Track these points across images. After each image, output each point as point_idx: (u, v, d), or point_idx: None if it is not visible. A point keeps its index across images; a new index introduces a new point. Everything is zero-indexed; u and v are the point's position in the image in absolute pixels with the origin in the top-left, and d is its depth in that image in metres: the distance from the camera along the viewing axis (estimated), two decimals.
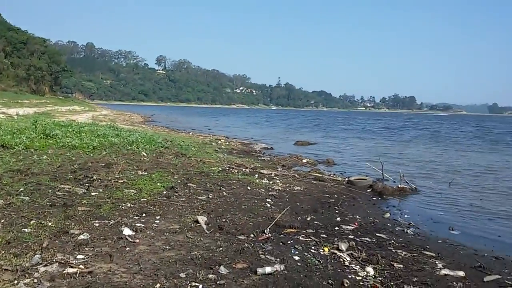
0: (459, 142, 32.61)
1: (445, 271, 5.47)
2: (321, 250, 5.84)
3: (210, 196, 8.31)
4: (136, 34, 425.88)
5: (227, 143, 22.49)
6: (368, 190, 11.25)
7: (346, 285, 4.64)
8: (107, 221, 6.16)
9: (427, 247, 6.58)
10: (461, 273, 5.43)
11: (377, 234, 7.05)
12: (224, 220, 6.81)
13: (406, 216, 8.93)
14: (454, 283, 5.13)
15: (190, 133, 29.22)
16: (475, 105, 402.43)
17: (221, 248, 5.44)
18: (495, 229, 8.33)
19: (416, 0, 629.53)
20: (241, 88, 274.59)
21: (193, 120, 59.36)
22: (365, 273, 5.12)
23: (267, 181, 10.75)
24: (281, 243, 5.95)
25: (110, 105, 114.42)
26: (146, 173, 9.82)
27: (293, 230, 6.67)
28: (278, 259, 5.24)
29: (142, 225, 6.12)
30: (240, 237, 6.01)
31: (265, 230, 6.35)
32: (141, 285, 4.21)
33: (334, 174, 13.58)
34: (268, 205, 8.26)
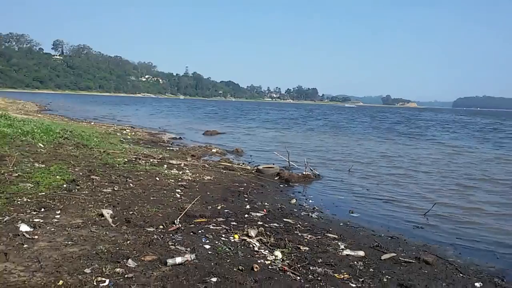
0: (357, 131, 34.89)
1: (347, 252, 5.85)
2: (232, 238, 5.91)
3: (115, 188, 7.97)
4: (30, 16, 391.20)
5: (133, 133, 21.69)
6: (276, 178, 11.61)
7: (256, 269, 4.75)
8: (1, 218, 5.63)
9: (330, 229, 6.99)
10: (361, 253, 5.85)
11: (284, 220, 7.31)
12: (131, 212, 6.59)
13: (310, 201, 9.38)
14: (355, 262, 5.52)
15: (92, 123, 27.67)
16: (371, 97, 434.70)
17: (128, 241, 5.26)
18: (389, 211, 9.05)
19: None
20: (147, 76, 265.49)
21: (95, 109, 56.19)
22: (274, 257, 5.29)
23: (177, 172, 10.59)
24: (191, 233, 5.92)
25: (1, 92, 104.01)
26: (44, 165, 9.13)
27: (204, 220, 6.66)
28: (188, 249, 5.21)
29: (41, 221, 5.69)
30: (148, 229, 5.86)
31: (175, 221, 6.26)
32: (42, 283, 3.93)
33: (243, 163, 13.79)
34: (178, 195, 8.15)
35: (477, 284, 5.24)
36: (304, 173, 12.12)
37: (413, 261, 5.76)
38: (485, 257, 6.47)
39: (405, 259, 5.79)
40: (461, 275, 5.52)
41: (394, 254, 5.96)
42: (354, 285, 4.75)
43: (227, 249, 5.40)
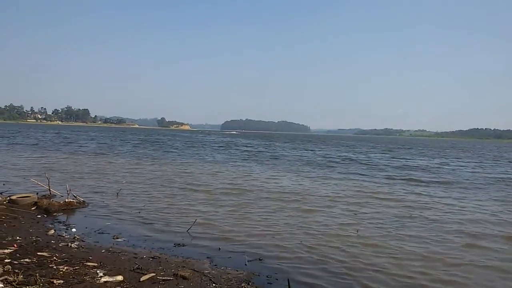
0: (129, 154, 34.49)
1: (105, 279, 5.78)
2: None
3: None
4: None
5: None
6: (33, 208, 10.58)
7: None
8: None
9: (90, 258, 6.77)
10: (120, 277, 5.87)
11: (38, 253, 6.74)
12: None
13: (72, 230, 8.88)
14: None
15: None
16: (146, 119, 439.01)
17: None
18: (154, 232, 9.22)
19: None
20: None
21: None
22: None
23: None
24: None
25: None
26: None
27: None
28: None
29: None
30: None
31: None
32: None
33: None
34: None
35: None
36: (66, 200, 11.37)
37: (171, 278, 6.09)
38: (236, 266, 7.25)
39: (164, 277, 6.06)
40: (214, 285, 6.08)
41: (154, 274, 6.18)
42: None
43: None
